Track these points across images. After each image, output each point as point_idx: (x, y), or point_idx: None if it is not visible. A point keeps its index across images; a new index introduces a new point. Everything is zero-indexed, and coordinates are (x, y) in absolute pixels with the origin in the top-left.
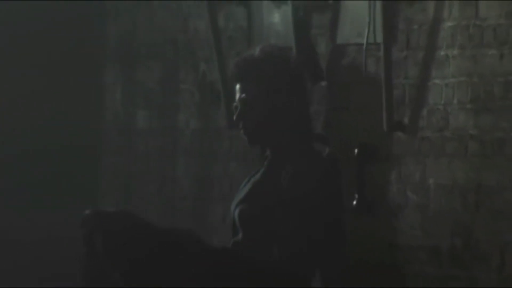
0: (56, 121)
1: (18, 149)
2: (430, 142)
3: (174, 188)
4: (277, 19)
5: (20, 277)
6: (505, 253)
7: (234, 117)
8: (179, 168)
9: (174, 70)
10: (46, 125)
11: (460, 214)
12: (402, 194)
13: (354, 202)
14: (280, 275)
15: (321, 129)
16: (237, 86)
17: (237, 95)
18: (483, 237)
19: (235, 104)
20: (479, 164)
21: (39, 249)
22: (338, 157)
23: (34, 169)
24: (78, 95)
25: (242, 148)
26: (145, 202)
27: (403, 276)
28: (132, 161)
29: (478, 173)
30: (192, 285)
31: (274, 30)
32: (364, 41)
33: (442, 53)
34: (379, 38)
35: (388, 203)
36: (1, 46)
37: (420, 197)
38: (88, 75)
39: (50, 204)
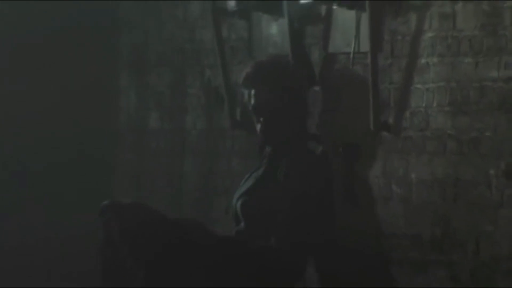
0: (76, 121)
1: (41, 145)
2: (412, 141)
3: (182, 182)
4: (275, 31)
5: (44, 268)
6: (479, 240)
7: (260, 126)
8: (186, 165)
9: (182, 76)
10: (66, 124)
11: (439, 205)
12: (387, 188)
13: (344, 195)
14: (278, 260)
15: (315, 129)
16: (253, 91)
17: (253, 101)
18: (460, 226)
19: (254, 108)
20: (457, 161)
21: (59, 235)
22: (330, 155)
23: (55, 164)
24: (96, 97)
25: (244, 147)
26: (156, 194)
27: (388, 262)
28: (144, 158)
29: (455, 169)
30: (198, 268)
31: (272, 40)
32: (352, 50)
33: (423, 61)
34: (366, 48)
35: (375, 196)
36: (29, 53)
37: (403, 190)
38: (105, 80)
39: (69, 196)
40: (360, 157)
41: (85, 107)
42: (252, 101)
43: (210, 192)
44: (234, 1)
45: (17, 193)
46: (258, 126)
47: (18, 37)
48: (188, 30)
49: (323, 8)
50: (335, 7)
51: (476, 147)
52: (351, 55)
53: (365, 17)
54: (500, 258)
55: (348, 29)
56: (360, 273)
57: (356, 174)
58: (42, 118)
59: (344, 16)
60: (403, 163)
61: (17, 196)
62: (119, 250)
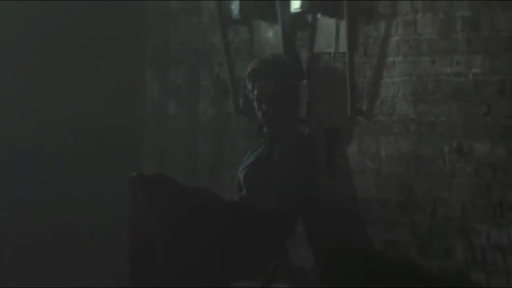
0: (109, 109)
1: (80, 130)
2: (382, 124)
3: (196, 158)
4: (271, 35)
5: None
6: (436, 204)
7: (262, 112)
8: (199, 144)
9: (195, 71)
10: (102, 112)
11: (404, 176)
12: (362, 162)
13: (326, 167)
14: (274, 219)
15: (304, 114)
16: (256, 84)
17: (255, 91)
18: (421, 193)
19: (256, 97)
20: (417, 140)
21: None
22: (315, 136)
23: (94, 145)
24: (126, 89)
25: (246, 129)
26: (175, 167)
27: (362, 221)
28: (165, 138)
29: (416, 146)
30: (209, 226)
31: (269, 42)
32: (332, 50)
33: (390, 59)
34: (344, 48)
35: (352, 168)
36: (73, 52)
37: (375, 164)
38: (133, 75)
39: (105, 170)
40: (340, 137)
41: (117, 97)
42: (256, 91)
43: (219, 165)
44: (237, 10)
45: (62, 172)
46: (260, 112)
47: (65, 39)
48: (201, 34)
49: (310, 17)
50: (319, 15)
51: (433, 129)
52: (332, 55)
53: (343, 24)
54: (453, 218)
55: (330, 34)
56: (339, 230)
57: (336, 151)
58: (82, 106)
59: (326, 23)
60: (375, 142)
61: (62, 174)
62: (144, 213)
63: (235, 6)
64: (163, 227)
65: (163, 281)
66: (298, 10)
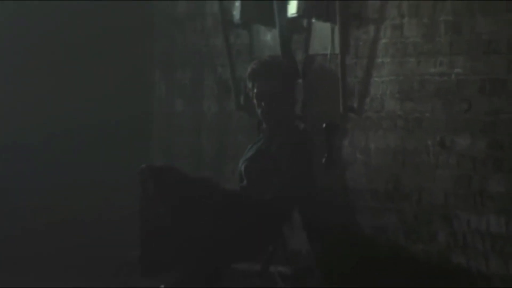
0: (122, 107)
1: (93, 127)
2: (371, 120)
3: (201, 151)
4: (269, 38)
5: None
6: (421, 193)
7: (261, 109)
8: (204, 138)
9: (200, 72)
10: (115, 109)
11: (391, 167)
12: (353, 155)
13: (323, 160)
14: (272, 207)
15: (300, 111)
16: (255, 83)
17: (255, 90)
18: (407, 183)
19: (256, 95)
20: (404, 134)
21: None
22: (310, 131)
23: (108, 140)
24: (136, 88)
25: (246, 124)
26: (181, 160)
27: (353, 208)
28: (172, 133)
29: (403, 140)
30: (212, 213)
31: (267, 45)
32: (328, 52)
33: (379, 60)
34: (337, 50)
35: (344, 160)
36: (86, 54)
37: (365, 157)
38: (143, 75)
39: (118, 161)
40: (333, 132)
41: (128, 95)
42: (255, 90)
43: (221, 158)
44: (238, 15)
45: (79, 163)
46: (259, 109)
47: (84, 43)
48: (204, 38)
49: (305, 21)
50: (314, 20)
51: (418, 125)
52: (329, 56)
53: (336, 28)
54: (436, 206)
55: (324, 37)
56: (332, 217)
57: (330, 145)
58: (97, 103)
59: (320, 27)
60: (365, 137)
61: (79, 167)
62: (153, 201)
63: (236, 12)
64: (170, 213)
65: (170, 263)
66: (294, 15)
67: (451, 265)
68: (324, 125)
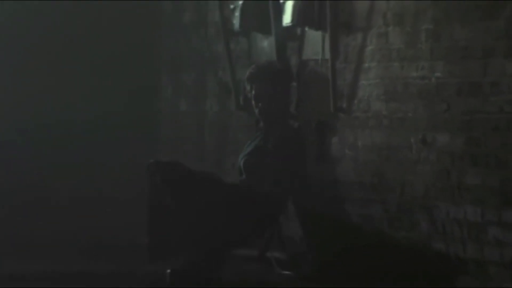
0: (132, 106)
1: (109, 123)
2: (359, 119)
3: (203, 146)
4: (266, 44)
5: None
6: (404, 186)
7: (258, 109)
8: (206, 135)
9: (203, 75)
10: (126, 108)
11: (377, 163)
12: (343, 151)
13: (316, 155)
14: (268, 198)
15: (294, 111)
16: (253, 86)
17: (253, 91)
18: (391, 176)
19: (253, 96)
20: (389, 133)
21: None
22: (303, 129)
23: (120, 138)
24: (145, 89)
25: (245, 123)
26: (186, 155)
27: (342, 199)
28: (177, 130)
29: (388, 138)
30: (214, 204)
31: (264, 51)
32: (320, 58)
33: (366, 65)
34: (328, 56)
35: (334, 156)
36: (99, 59)
37: (353, 152)
38: (152, 78)
39: (128, 157)
40: (324, 130)
41: (138, 96)
42: (253, 92)
43: (222, 153)
44: (238, 24)
45: (92, 158)
46: (256, 109)
47: (98, 50)
48: (207, 44)
49: (298, 30)
50: (307, 29)
51: (402, 123)
52: (320, 61)
53: (327, 36)
54: (417, 197)
55: (316, 43)
56: (323, 207)
57: (321, 142)
58: (110, 103)
59: (312, 35)
60: (353, 134)
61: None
62: (160, 193)
63: (236, 21)
64: (176, 204)
65: (176, 249)
66: (289, 24)
67: (431, 251)
68: (314, 124)
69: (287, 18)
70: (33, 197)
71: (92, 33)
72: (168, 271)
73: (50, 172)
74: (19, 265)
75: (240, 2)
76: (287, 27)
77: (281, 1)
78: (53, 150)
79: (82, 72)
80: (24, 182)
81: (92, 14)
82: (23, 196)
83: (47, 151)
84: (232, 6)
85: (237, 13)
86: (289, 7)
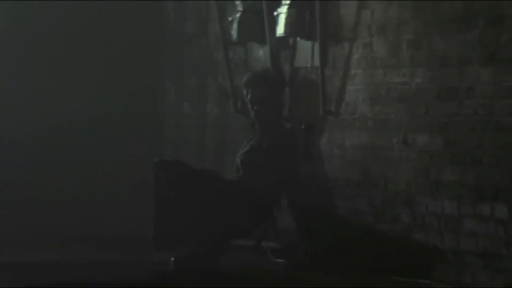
0: (138, 109)
1: (118, 124)
2: (346, 121)
3: (204, 147)
4: (261, 53)
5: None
6: (387, 182)
7: (254, 112)
8: (207, 135)
9: (204, 80)
10: (133, 111)
11: (362, 161)
12: (331, 150)
13: (304, 153)
14: (264, 193)
15: (287, 113)
16: (250, 90)
17: (249, 96)
18: (375, 173)
19: (250, 100)
20: (373, 133)
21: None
22: (295, 129)
23: (127, 134)
24: (151, 93)
25: (242, 124)
26: (188, 154)
27: (330, 194)
28: (181, 131)
29: (372, 138)
30: (214, 199)
31: (260, 60)
32: (310, 65)
33: (353, 72)
34: (318, 64)
35: (323, 154)
36: (115, 66)
37: (341, 152)
38: (157, 83)
39: (135, 156)
40: (314, 131)
41: (144, 99)
42: (250, 96)
43: (222, 152)
44: (236, 35)
45: (102, 156)
46: (252, 112)
47: (109, 57)
48: (208, 52)
49: (291, 40)
50: (298, 39)
51: (385, 125)
52: (310, 69)
53: (316, 46)
54: (399, 193)
55: (306, 52)
56: (313, 201)
57: (312, 141)
58: (119, 106)
59: (304, 45)
60: (340, 135)
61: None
62: (165, 189)
63: (234, 32)
64: (179, 199)
65: (179, 239)
66: (282, 35)
67: (412, 241)
68: (303, 126)
69: (280, 30)
70: (45, 191)
71: (105, 43)
72: (172, 259)
73: (65, 167)
74: (27, 254)
75: (238, 15)
76: (281, 38)
77: (275, 14)
78: (68, 147)
79: (95, 77)
80: (40, 178)
81: (107, 28)
82: (37, 191)
83: (63, 148)
84: (230, 18)
85: (235, 25)
86: (282, 19)
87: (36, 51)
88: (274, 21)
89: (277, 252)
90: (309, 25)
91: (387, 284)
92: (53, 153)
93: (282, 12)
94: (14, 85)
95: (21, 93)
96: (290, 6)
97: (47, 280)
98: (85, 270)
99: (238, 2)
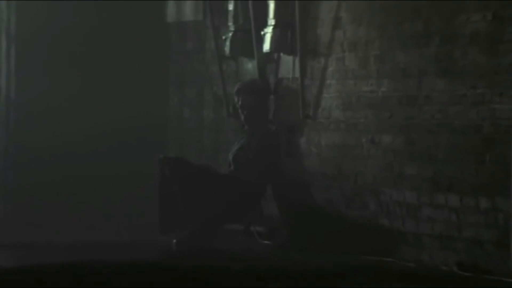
0: (145, 114)
1: (127, 127)
2: (322, 124)
3: (201, 146)
4: (250, 66)
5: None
6: (357, 175)
7: (244, 116)
8: (204, 137)
9: (202, 89)
10: (141, 115)
11: (336, 158)
12: (309, 148)
13: (286, 151)
14: (252, 185)
15: (272, 117)
16: (240, 98)
17: (240, 102)
18: (347, 168)
19: (240, 106)
20: (345, 134)
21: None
22: (279, 131)
23: (135, 136)
24: (157, 100)
25: (234, 127)
26: (188, 153)
27: (308, 186)
28: (182, 133)
29: (345, 139)
30: (210, 191)
31: (249, 71)
32: (291, 76)
33: (328, 82)
34: (298, 75)
35: (303, 153)
36: (125, 77)
37: (318, 150)
38: (162, 92)
39: (142, 154)
40: (295, 132)
41: (150, 106)
42: (240, 102)
43: (217, 150)
44: (228, 50)
45: (112, 155)
46: (242, 116)
47: (120, 70)
48: (205, 66)
49: (275, 55)
50: (282, 54)
51: (355, 127)
52: (291, 79)
53: (297, 60)
54: (368, 184)
55: (288, 66)
56: (294, 192)
57: (293, 141)
58: (129, 111)
59: (286, 59)
60: (317, 135)
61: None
62: (169, 184)
63: (227, 48)
64: (181, 190)
65: (181, 224)
66: (268, 51)
67: (378, 226)
68: (287, 127)
69: (266, 46)
70: (62, 186)
71: (120, 60)
72: (174, 240)
73: (83, 165)
74: (35, 235)
75: (230, 34)
76: (267, 53)
77: (262, 33)
78: (83, 147)
79: (110, 88)
80: (57, 175)
81: (121, 47)
82: (59, 183)
83: (81, 147)
84: (224, 37)
85: (228, 42)
86: (268, 37)
87: (53, 58)
88: (261, 39)
89: (263, 235)
90: (290, 42)
91: (356, 262)
92: (71, 155)
93: (268, 32)
94: (21, 89)
95: (33, 98)
96: (275, 27)
97: (59, 259)
98: (100, 250)
99: (230, 23)
